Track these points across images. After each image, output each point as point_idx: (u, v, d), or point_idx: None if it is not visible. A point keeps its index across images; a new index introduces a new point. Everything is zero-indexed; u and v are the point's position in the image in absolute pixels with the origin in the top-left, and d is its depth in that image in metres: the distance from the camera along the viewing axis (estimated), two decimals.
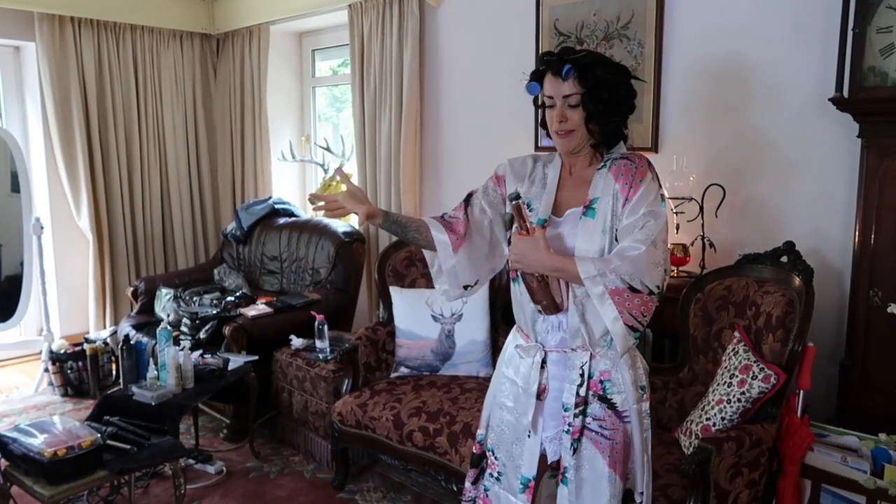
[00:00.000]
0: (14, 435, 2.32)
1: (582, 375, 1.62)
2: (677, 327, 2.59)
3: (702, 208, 2.88)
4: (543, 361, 1.66)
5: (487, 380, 2.94)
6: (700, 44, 2.92)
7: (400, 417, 2.68)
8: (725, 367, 2.21)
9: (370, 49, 4.05)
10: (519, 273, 1.64)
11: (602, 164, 1.63)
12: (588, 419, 1.62)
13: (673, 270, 2.91)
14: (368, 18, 4.03)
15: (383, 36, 3.96)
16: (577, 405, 1.62)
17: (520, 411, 1.70)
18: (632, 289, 1.47)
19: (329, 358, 3.18)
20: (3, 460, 2.36)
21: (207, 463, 3.14)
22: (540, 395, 1.66)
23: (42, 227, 4.22)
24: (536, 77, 1.67)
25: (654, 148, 3.08)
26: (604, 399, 1.62)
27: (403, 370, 3.06)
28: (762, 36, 2.75)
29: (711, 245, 2.88)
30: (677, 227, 2.93)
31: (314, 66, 5.20)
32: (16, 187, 4.30)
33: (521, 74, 1.87)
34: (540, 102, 1.69)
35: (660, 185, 1.59)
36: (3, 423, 3.64)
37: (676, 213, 2.92)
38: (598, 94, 1.56)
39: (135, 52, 4.76)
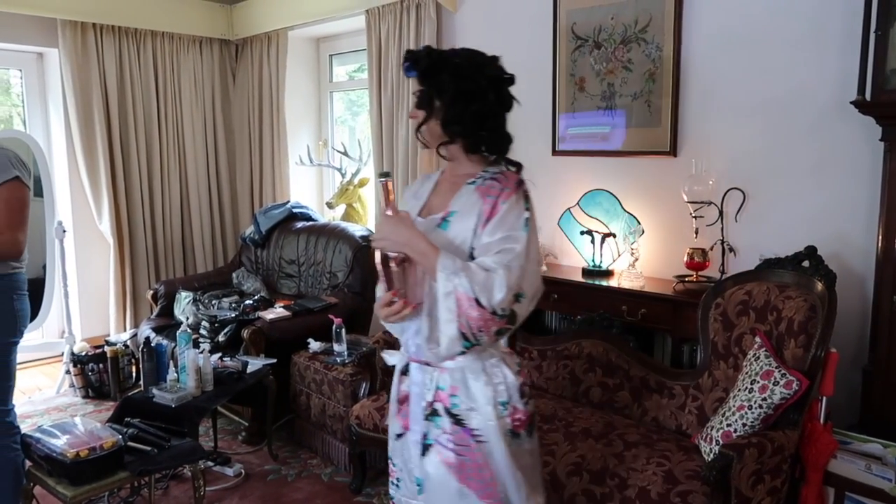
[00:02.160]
0: (37, 435, 2.35)
1: (432, 384, 1.58)
2: (696, 332, 2.57)
3: (721, 212, 2.86)
4: (406, 369, 1.65)
5: None
6: (718, 47, 2.90)
7: None
8: (746, 373, 2.19)
9: (387, 53, 4.07)
10: (380, 263, 1.59)
11: (474, 179, 1.58)
12: (437, 431, 1.58)
13: (692, 275, 2.90)
14: (386, 23, 4.05)
15: (400, 40, 3.98)
16: (425, 415, 1.59)
17: (390, 417, 1.74)
18: (477, 301, 1.42)
19: (347, 361, 3.19)
20: (26, 461, 2.39)
21: (226, 465, 3.16)
22: (403, 402, 1.66)
23: (64, 231, 4.28)
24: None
25: (673, 152, 3.07)
26: (451, 415, 1.56)
27: None
28: (781, 39, 2.73)
29: (731, 250, 2.86)
30: (696, 232, 2.92)
31: (331, 71, 5.23)
32: (38, 191, 4.36)
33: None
34: None
35: (527, 208, 1.52)
36: (25, 423, 3.68)
37: (695, 217, 2.91)
38: (441, 98, 1.54)
39: (155, 57, 4.82)
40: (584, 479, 2.20)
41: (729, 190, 2.84)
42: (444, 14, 3.89)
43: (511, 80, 1.64)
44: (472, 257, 1.50)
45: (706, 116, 2.98)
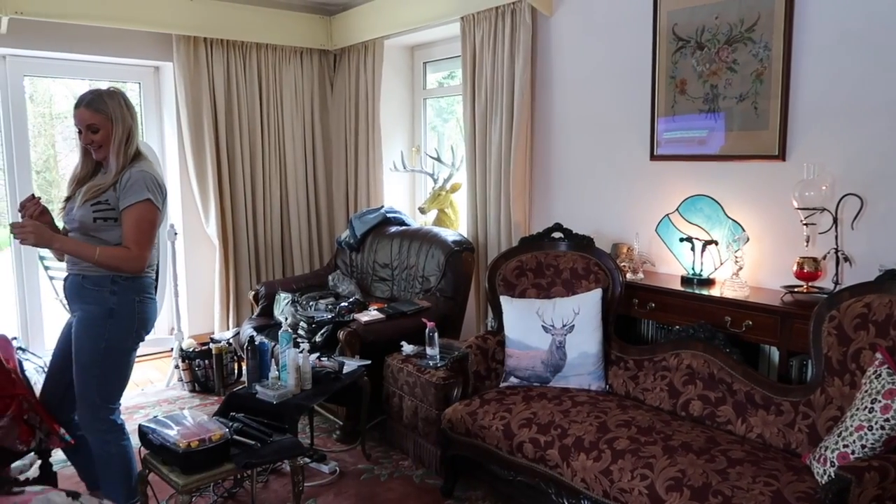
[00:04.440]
0: (152, 426, 2.50)
1: None
2: (807, 346, 2.43)
3: (835, 220, 2.70)
4: None
5: (600, 393, 2.90)
6: (835, 44, 2.74)
7: (510, 428, 2.67)
8: (866, 392, 2.05)
9: (482, 60, 4.09)
10: None
11: None
12: None
13: (802, 286, 2.74)
14: (481, 30, 4.07)
15: (495, 46, 3.99)
16: None
17: None
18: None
19: (439, 365, 3.22)
20: (142, 448, 2.55)
21: (322, 462, 3.26)
22: None
23: (175, 234, 4.54)
24: None
25: (782, 156, 2.92)
26: None
27: (513, 380, 3.05)
28: None
29: (846, 259, 2.69)
30: (807, 240, 2.76)
31: (425, 79, 5.31)
32: None
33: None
34: None
35: None
36: (139, 414, 3.93)
37: (806, 224, 2.76)
38: None
39: (259, 68, 5.05)
40: (684, 494, 2.12)
41: (845, 196, 2.67)
42: (540, 18, 3.86)
43: None
44: None
45: (819, 118, 2.81)
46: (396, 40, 4.98)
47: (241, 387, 3.26)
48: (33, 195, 2.59)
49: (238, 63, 4.93)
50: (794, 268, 2.75)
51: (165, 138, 5.10)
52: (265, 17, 4.97)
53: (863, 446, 1.97)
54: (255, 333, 3.96)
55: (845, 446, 2.00)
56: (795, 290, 2.75)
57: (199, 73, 4.76)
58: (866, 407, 2.01)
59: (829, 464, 2.02)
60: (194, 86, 4.75)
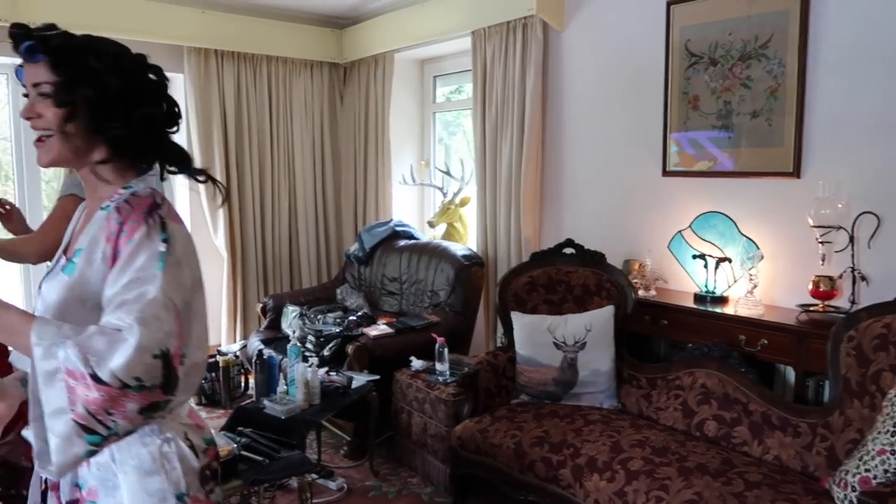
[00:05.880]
0: None
1: (71, 478, 1.22)
2: (824, 367, 2.39)
3: (852, 238, 2.67)
4: None
5: (612, 412, 2.86)
6: (851, 61, 2.72)
7: (521, 446, 2.63)
8: (888, 415, 2.01)
9: (492, 74, 4.08)
10: None
11: (110, 201, 1.23)
12: None
13: (818, 304, 2.71)
14: (491, 44, 4.07)
15: (506, 60, 3.98)
16: None
17: None
18: (95, 377, 1.03)
19: (449, 381, 3.18)
20: None
21: (329, 479, 3.22)
22: (48, 492, 1.29)
23: None
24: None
25: (796, 173, 2.90)
26: None
27: (524, 397, 3.01)
28: None
29: (863, 278, 2.66)
30: (823, 258, 2.73)
31: (435, 92, 5.31)
32: None
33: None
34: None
35: (165, 239, 1.16)
36: None
37: (822, 242, 2.73)
38: (94, 88, 1.19)
39: (270, 80, 5.06)
40: None
41: (861, 214, 2.65)
42: (551, 33, 3.86)
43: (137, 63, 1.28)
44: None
45: (835, 135, 2.79)
46: (406, 54, 4.98)
47: (248, 401, 3.24)
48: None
49: (248, 75, 4.94)
50: (810, 286, 2.72)
51: None
52: (276, 29, 4.98)
53: (885, 471, 1.92)
54: (262, 346, 3.93)
55: (867, 471, 1.96)
56: (811, 308, 2.72)
57: (209, 84, 4.77)
58: (888, 430, 1.97)
59: (850, 488, 1.98)
60: (204, 97, 4.76)
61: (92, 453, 1.09)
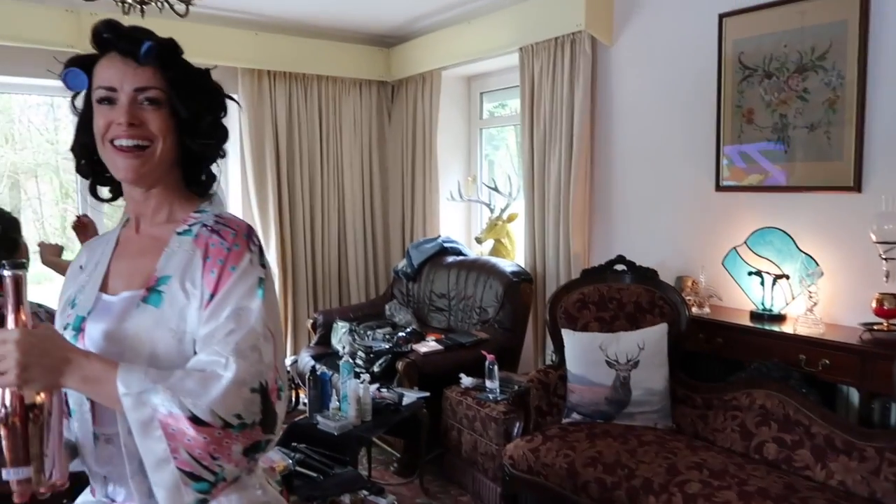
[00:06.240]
0: None
1: None
2: (890, 388, 2.31)
3: None
4: None
5: (667, 432, 2.81)
6: None
7: (574, 466, 2.61)
8: None
9: (540, 90, 4.08)
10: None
11: (188, 225, 1.15)
12: None
13: (882, 323, 2.62)
14: (539, 60, 4.07)
15: (554, 76, 3.98)
16: None
17: None
18: (195, 419, 0.96)
19: (499, 399, 3.18)
20: None
21: (380, 496, 3.22)
22: None
23: None
24: (83, 63, 1.12)
25: (857, 187, 2.81)
26: None
27: (575, 416, 2.98)
28: None
29: None
30: (886, 275, 2.64)
31: (482, 109, 5.34)
32: None
33: (53, 62, 1.31)
34: (84, 102, 1.15)
35: (263, 264, 1.10)
36: None
37: (885, 259, 2.64)
38: (190, 95, 1.12)
39: (320, 99, 5.17)
40: None
41: None
42: (600, 48, 3.85)
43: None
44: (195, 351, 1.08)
45: None
46: (453, 71, 5.02)
47: (301, 416, 3.29)
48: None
49: (300, 95, 5.06)
50: (873, 304, 2.63)
51: (229, 168, 5.24)
52: (327, 50, 5.09)
53: None
54: (314, 363, 3.99)
55: None
56: (875, 327, 2.62)
57: (262, 104, 4.90)
58: None
59: None
60: (257, 117, 4.88)
61: (203, 503, 1.00)
